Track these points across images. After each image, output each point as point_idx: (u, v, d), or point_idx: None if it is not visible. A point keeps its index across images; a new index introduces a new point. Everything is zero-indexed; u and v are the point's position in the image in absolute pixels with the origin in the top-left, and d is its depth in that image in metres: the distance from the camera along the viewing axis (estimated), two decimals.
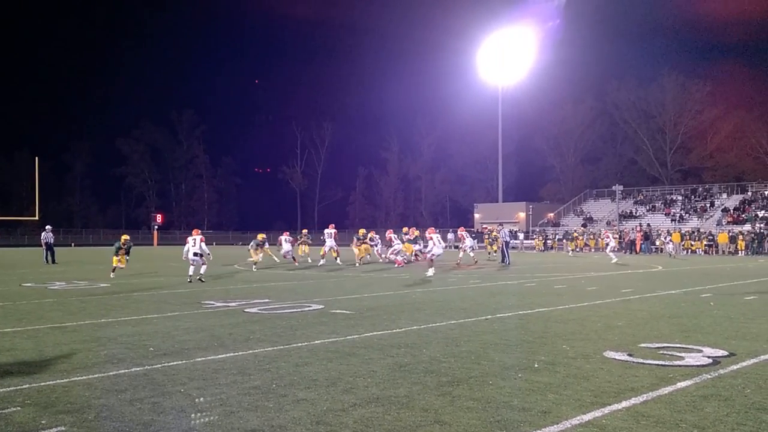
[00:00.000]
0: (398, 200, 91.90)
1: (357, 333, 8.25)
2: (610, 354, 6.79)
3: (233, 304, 11.61)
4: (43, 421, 4.47)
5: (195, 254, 17.22)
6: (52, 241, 27.24)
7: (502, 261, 26.08)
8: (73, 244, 57.81)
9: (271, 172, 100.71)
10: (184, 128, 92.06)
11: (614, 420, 4.48)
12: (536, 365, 6.25)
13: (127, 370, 6.06)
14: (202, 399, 5.03)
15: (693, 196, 56.97)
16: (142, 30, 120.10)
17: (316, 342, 7.57)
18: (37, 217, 51.97)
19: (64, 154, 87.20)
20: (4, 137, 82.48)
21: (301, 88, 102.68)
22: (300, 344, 7.42)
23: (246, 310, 10.70)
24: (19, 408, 4.77)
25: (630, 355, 6.74)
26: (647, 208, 57.40)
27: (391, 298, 12.69)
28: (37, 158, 55.13)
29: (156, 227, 57.31)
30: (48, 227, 27.55)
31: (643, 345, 7.33)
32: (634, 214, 56.45)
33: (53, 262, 26.25)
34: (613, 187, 54.90)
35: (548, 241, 50.42)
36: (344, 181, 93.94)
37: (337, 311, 10.43)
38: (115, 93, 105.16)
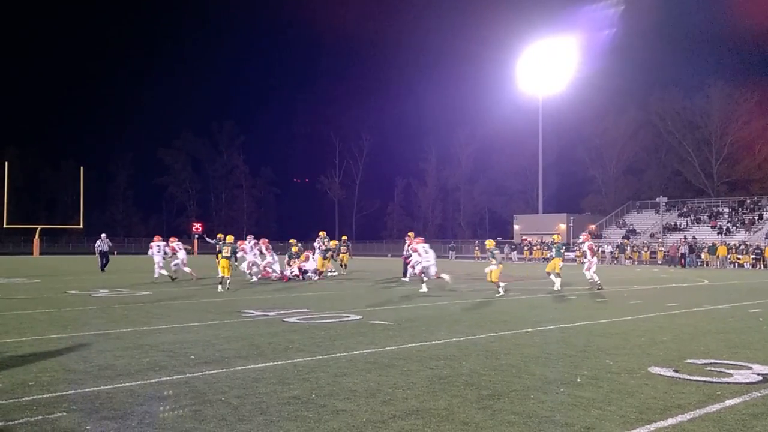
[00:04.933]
0: (436, 211, 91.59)
1: (396, 344, 8.21)
2: (655, 369, 6.61)
3: (272, 313, 11.69)
4: (87, 427, 4.55)
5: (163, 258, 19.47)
6: (107, 249, 27.56)
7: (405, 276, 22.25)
8: (115, 252, 59.14)
9: (310, 183, 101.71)
10: (224, 139, 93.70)
11: None
12: (579, 380, 6.11)
13: (168, 378, 6.14)
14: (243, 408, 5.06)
15: (740, 209, 55.33)
16: (184, 44, 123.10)
17: (355, 352, 7.56)
18: (81, 226, 53.46)
19: (108, 164, 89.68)
20: (51, 148, 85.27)
21: (339, 99, 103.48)
22: (339, 354, 7.42)
23: (285, 319, 10.77)
24: (64, 413, 4.88)
25: (676, 371, 6.54)
26: (692, 220, 55.95)
27: (429, 310, 12.62)
28: (82, 168, 56.84)
29: (196, 236, 58.39)
30: (103, 235, 28.01)
31: (689, 361, 7.12)
32: (678, 226, 55.11)
33: (102, 270, 26.54)
34: (657, 199, 53.70)
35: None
36: (382, 192, 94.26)
37: (376, 322, 10.41)
38: (157, 105, 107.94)
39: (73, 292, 16.77)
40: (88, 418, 4.77)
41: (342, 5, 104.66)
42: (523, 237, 58.42)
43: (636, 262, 44.57)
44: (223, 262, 17.80)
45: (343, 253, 25.92)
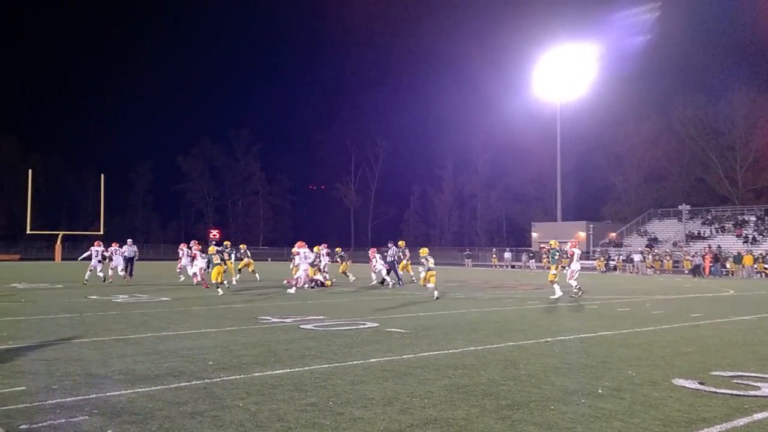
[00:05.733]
0: (453, 218, 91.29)
1: (412, 352, 8.16)
2: (680, 381, 6.49)
3: (289, 320, 11.70)
4: (109, 431, 4.57)
5: (100, 261, 22.42)
6: (133, 255, 27.68)
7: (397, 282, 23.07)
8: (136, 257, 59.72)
9: (326, 190, 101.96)
10: (241, 146, 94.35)
11: None
12: (600, 391, 6.02)
13: (187, 383, 6.15)
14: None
15: (767, 217, 54.45)
16: (202, 51, 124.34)
17: (372, 360, 7.53)
18: (101, 232, 54.05)
19: (129, 171, 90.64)
20: (73, 156, 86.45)
21: (355, 106, 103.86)
22: (355, 362, 7.39)
23: (301, 326, 10.76)
24: (87, 417, 4.90)
25: (701, 383, 6.42)
26: (717, 228, 55.15)
27: (446, 318, 12.54)
28: (102, 175, 57.55)
29: (214, 243, 59.02)
30: (129, 241, 28.19)
31: (715, 373, 6.98)
32: (702, 235, 54.35)
33: (131, 275, 26.48)
34: (680, 207, 53.06)
35: (611, 262, 49.01)
36: (398, 199, 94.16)
37: (392, 330, 10.36)
38: (176, 112, 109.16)
39: (94, 297, 16.93)
40: (110, 421, 4.79)
41: (359, 13, 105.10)
42: (542, 245, 57.96)
43: (658, 272, 44.03)
44: (217, 268, 18.91)
45: (337, 262, 25.52)
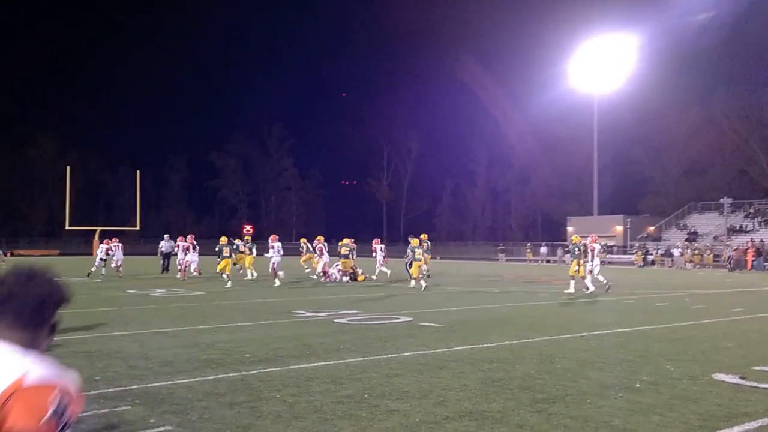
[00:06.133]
0: (486, 213, 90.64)
1: (447, 346, 8.16)
2: (720, 376, 6.36)
3: (323, 314, 11.79)
4: (151, 420, 4.69)
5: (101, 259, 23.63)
6: (169, 250, 28.26)
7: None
8: (173, 252, 60.84)
9: (358, 185, 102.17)
10: (273, 141, 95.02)
11: None
12: (638, 385, 5.94)
13: (225, 375, 6.27)
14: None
15: None
16: (234, 48, 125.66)
17: (406, 354, 7.55)
18: (138, 227, 55.18)
19: (164, 168, 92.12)
20: (109, 153, 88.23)
21: (387, 100, 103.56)
22: (390, 355, 7.43)
23: (335, 320, 10.84)
24: (129, 407, 5.04)
25: (742, 377, 6.29)
26: (760, 222, 53.67)
27: (480, 312, 12.50)
28: (138, 172, 58.72)
29: (246, 240, 59.87)
30: (166, 236, 28.73)
31: (757, 368, 6.82)
32: (744, 228, 52.95)
33: (167, 270, 26.98)
34: (721, 200, 51.77)
35: (649, 256, 48.12)
36: (431, 194, 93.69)
37: (426, 324, 10.37)
38: (209, 109, 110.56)
39: (133, 291, 17.30)
40: (152, 411, 4.92)
41: (389, 7, 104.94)
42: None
43: (698, 266, 43.11)
44: (223, 261, 19.94)
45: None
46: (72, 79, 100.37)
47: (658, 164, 72.81)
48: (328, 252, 22.89)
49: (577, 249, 18.09)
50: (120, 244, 24.59)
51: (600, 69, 60.00)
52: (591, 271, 17.84)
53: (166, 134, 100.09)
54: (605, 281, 17.85)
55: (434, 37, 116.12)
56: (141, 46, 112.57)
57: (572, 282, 17.60)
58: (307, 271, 23.46)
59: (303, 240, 25.37)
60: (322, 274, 22.24)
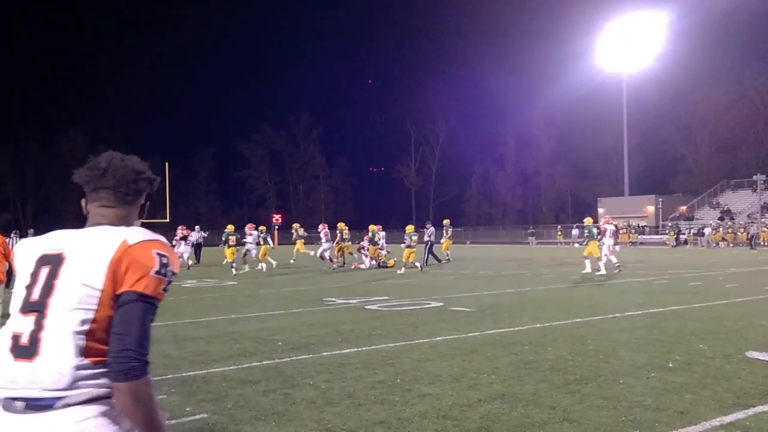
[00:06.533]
0: (516, 196, 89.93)
1: (478, 330, 8.18)
2: (754, 354, 6.28)
3: (353, 301, 11.89)
4: (187, 408, 4.82)
5: None
6: (201, 241, 28.77)
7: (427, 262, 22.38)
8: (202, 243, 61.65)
9: (386, 171, 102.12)
10: (301, 130, 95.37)
11: (759, 422, 4.16)
12: (671, 365, 5.90)
13: (258, 363, 6.38)
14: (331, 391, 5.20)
15: None
16: (259, 40, 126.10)
17: (438, 339, 7.60)
18: (167, 220, 56.05)
19: (192, 159, 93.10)
20: (138, 146, 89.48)
21: (414, 86, 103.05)
22: (421, 341, 7.48)
23: (366, 306, 10.93)
24: (165, 396, 5.17)
25: None
26: None
27: (511, 296, 12.48)
28: (167, 164, 59.54)
29: (276, 227, 60.00)
30: (197, 227, 29.16)
31: None
32: None
33: (198, 261, 27.35)
34: (754, 177, 50.61)
35: (682, 236, 47.29)
36: (459, 178, 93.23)
37: (457, 308, 10.40)
38: (236, 100, 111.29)
39: None
40: (187, 400, 5.04)
41: None
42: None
43: (731, 245, 42.28)
44: (230, 250, 21.20)
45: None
46: (98, 73, 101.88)
47: (690, 142, 71.39)
48: (331, 239, 22.60)
49: (588, 231, 18.64)
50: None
51: (628, 48, 58.89)
52: (610, 251, 18.35)
53: (194, 126, 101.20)
54: (616, 262, 18.25)
55: (461, 21, 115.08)
56: (168, 39, 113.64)
57: (587, 261, 18.16)
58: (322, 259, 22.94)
59: (296, 225, 26.52)
60: (320, 258, 22.32)
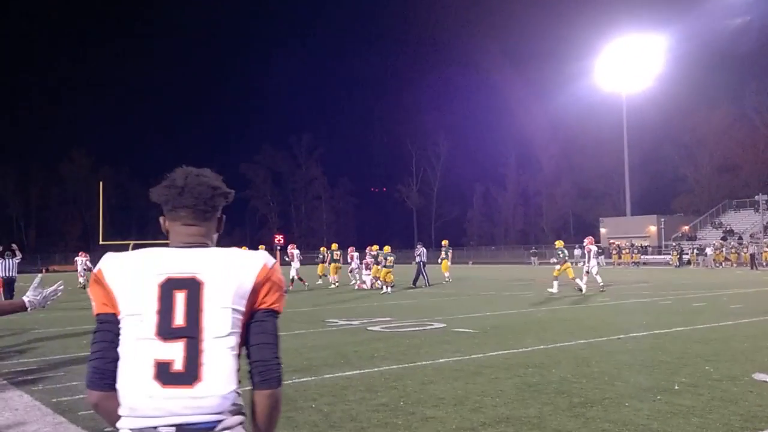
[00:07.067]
0: (517, 216, 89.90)
1: (482, 352, 8.13)
2: (761, 376, 6.23)
3: (356, 322, 11.84)
4: None
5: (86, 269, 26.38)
6: None
7: (415, 283, 22.79)
8: None
9: (387, 191, 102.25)
10: (302, 151, 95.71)
11: None
12: (677, 387, 5.85)
13: None
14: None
15: None
16: (260, 61, 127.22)
17: (441, 360, 7.55)
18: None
19: None
20: (141, 167, 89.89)
21: (415, 106, 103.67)
22: (425, 362, 7.43)
23: (369, 328, 10.88)
24: None
25: None
26: None
27: (514, 317, 12.42)
28: None
29: (278, 248, 60.15)
30: None
31: None
32: None
33: None
34: (756, 197, 50.60)
35: (685, 256, 47.12)
36: (461, 198, 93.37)
37: (460, 330, 10.34)
38: (238, 121, 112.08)
39: None
40: None
41: (416, 10, 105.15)
42: (611, 240, 56.45)
43: (734, 265, 42.13)
44: None
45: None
46: (103, 95, 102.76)
47: (690, 162, 71.55)
48: (300, 260, 23.71)
49: (560, 253, 19.67)
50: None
51: (628, 69, 59.31)
52: (588, 272, 19.15)
53: (197, 147, 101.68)
54: (602, 282, 18.92)
55: (461, 40, 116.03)
56: (170, 63, 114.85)
57: (555, 282, 18.66)
58: (319, 282, 24.34)
59: (325, 248, 26.31)
60: (291, 281, 22.65)
